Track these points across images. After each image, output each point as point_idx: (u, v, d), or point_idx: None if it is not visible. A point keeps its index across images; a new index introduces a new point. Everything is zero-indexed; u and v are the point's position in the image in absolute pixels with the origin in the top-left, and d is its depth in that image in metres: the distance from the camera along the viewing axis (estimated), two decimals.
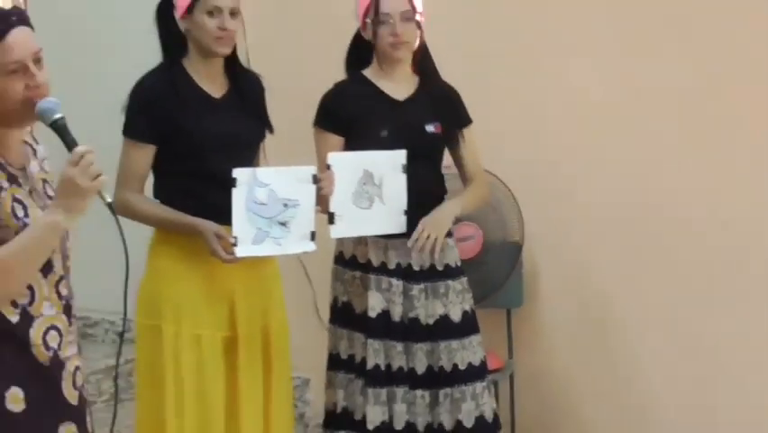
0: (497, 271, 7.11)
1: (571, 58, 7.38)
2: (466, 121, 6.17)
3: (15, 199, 4.07)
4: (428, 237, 5.89)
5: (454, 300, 6.05)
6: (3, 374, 4.11)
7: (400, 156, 5.83)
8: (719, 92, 7.12)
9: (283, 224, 5.57)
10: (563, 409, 7.54)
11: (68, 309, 4.19)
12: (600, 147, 7.32)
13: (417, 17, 6.06)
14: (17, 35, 4.09)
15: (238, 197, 5.44)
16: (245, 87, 5.78)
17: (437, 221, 5.93)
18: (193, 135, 5.56)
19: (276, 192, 5.55)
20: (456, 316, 6.03)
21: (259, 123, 5.81)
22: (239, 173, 5.42)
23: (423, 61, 6.14)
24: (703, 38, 7.17)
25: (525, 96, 7.42)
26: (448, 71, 6.33)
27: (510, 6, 7.50)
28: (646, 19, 7.27)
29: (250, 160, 5.69)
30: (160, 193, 5.70)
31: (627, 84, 7.31)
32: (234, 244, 5.42)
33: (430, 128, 6.03)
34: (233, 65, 5.76)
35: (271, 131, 5.87)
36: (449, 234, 6.09)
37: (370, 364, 5.96)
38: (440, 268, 6.04)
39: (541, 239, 7.35)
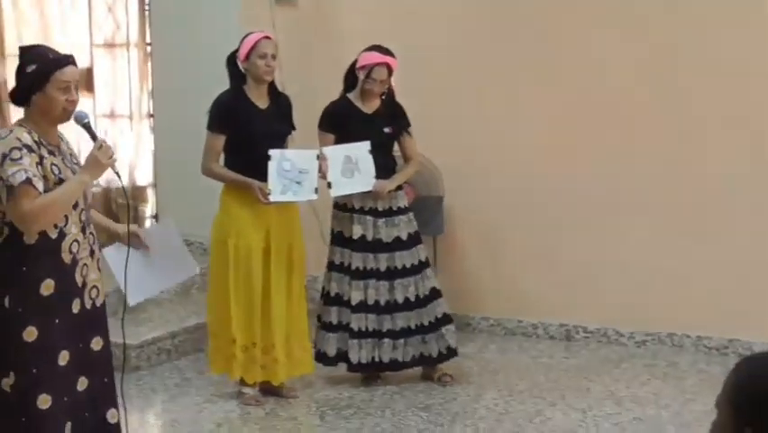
0: (428, 213, 7.32)
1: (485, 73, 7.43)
2: (407, 125, 6.54)
3: (53, 164, 4.32)
4: (380, 190, 6.29)
5: (403, 227, 6.45)
6: (42, 271, 4.32)
7: (366, 145, 6.28)
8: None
9: (299, 183, 6.05)
10: (468, 294, 7.67)
11: (84, 230, 4.42)
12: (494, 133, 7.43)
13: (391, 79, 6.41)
14: (70, 68, 4.39)
15: (272, 166, 5.95)
16: (280, 102, 6.24)
17: (385, 183, 6.33)
18: (248, 130, 6.03)
19: (295, 164, 6.04)
20: (404, 236, 6.44)
21: (287, 124, 6.26)
22: (273, 152, 5.96)
23: (387, 95, 6.48)
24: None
25: (454, 103, 7.52)
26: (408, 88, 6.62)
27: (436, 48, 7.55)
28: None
29: (281, 145, 6.13)
30: (228, 163, 6.14)
31: (523, 88, 7.37)
32: (269, 194, 5.95)
33: (387, 130, 6.46)
34: (272, 88, 6.22)
35: (294, 129, 6.29)
36: (400, 188, 6.50)
37: (353, 267, 6.41)
38: (394, 208, 6.45)
39: (457, 194, 7.51)
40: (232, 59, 6.15)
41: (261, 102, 6.15)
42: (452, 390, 6.42)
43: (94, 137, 4.53)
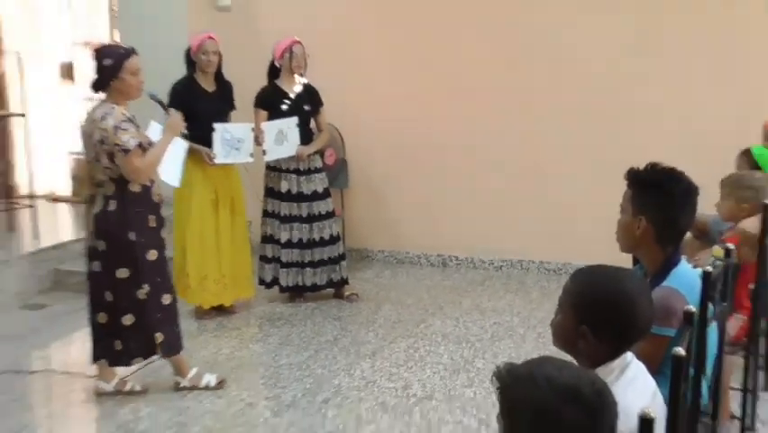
0: (337, 171, 7.28)
1: (373, 56, 7.38)
2: (320, 103, 6.43)
3: (139, 129, 4.57)
4: (301, 155, 6.22)
5: (318, 182, 6.39)
6: (148, 210, 4.61)
7: (294, 121, 6.22)
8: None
9: (237, 149, 5.97)
10: (367, 233, 7.71)
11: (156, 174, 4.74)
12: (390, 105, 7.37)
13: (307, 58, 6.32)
14: (137, 58, 4.59)
15: (216, 136, 5.89)
16: (224, 87, 6.12)
17: (306, 148, 6.24)
18: (198, 109, 5.86)
19: (234, 134, 5.97)
20: (320, 189, 6.39)
21: (229, 104, 6.14)
22: (216, 126, 5.90)
23: (306, 84, 6.35)
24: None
25: (358, 87, 7.39)
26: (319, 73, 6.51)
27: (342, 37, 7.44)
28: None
29: (224, 120, 6.02)
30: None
31: (409, 69, 7.32)
32: (214, 157, 5.89)
33: (306, 108, 6.35)
34: (218, 76, 6.08)
35: (234, 108, 6.17)
36: (317, 153, 6.40)
37: (282, 213, 6.35)
38: (312, 168, 6.37)
39: (358, 156, 7.47)
40: (187, 53, 6.03)
41: (208, 86, 6.03)
42: (357, 305, 6.45)
43: (166, 108, 4.89)
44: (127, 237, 4.56)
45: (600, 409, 1.74)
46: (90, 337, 4.83)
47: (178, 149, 5.17)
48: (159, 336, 4.73)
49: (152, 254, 4.64)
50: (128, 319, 4.68)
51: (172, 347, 4.84)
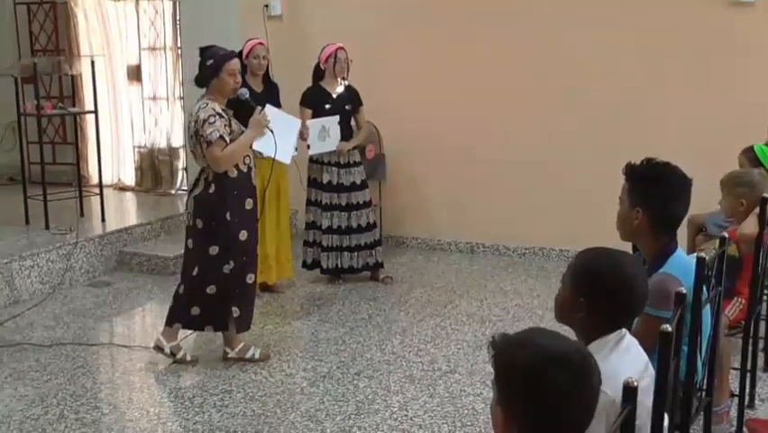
0: (376, 165, 7.19)
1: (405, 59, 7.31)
2: (360, 103, 6.38)
3: (233, 122, 4.62)
4: (342, 149, 6.20)
5: (357, 175, 6.35)
6: (246, 193, 4.66)
7: (335, 119, 6.17)
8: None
9: None
10: (403, 221, 7.62)
11: (252, 161, 4.74)
12: (419, 104, 7.28)
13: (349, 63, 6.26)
14: (236, 60, 4.66)
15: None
16: (271, 88, 6.10)
17: (346, 144, 6.23)
18: (249, 106, 5.66)
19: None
20: (358, 181, 6.36)
21: (275, 103, 5.92)
22: None
23: (348, 86, 6.33)
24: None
25: (394, 88, 7.32)
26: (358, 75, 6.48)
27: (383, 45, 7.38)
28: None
29: None
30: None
31: (438, 70, 7.24)
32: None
33: (347, 107, 6.30)
34: (266, 77, 6.09)
35: (281, 106, 5.98)
36: (355, 148, 6.38)
37: (323, 202, 6.33)
38: (351, 162, 6.33)
39: (395, 151, 7.36)
40: (240, 57, 5.96)
41: (257, 87, 5.99)
42: (391, 287, 6.43)
43: (254, 108, 4.80)
44: (224, 217, 4.60)
45: (585, 374, 1.75)
46: (170, 304, 4.91)
47: (290, 128, 5.27)
48: (235, 311, 4.78)
49: (243, 234, 4.66)
50: (211, 289, 4.75)
51: (245, 323, 4.88)
